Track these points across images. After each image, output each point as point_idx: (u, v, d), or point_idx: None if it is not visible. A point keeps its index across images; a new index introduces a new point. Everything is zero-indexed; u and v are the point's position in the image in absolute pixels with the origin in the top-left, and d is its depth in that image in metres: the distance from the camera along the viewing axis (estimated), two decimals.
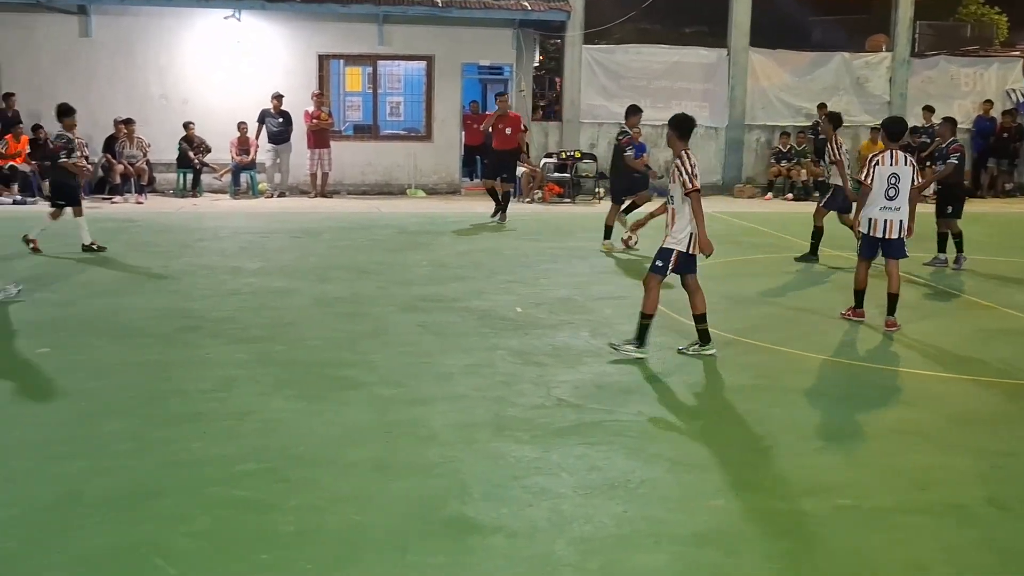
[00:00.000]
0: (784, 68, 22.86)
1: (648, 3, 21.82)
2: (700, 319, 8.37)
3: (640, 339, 8.22)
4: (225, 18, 20.19)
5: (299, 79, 20.44)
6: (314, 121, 19.90)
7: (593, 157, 20.94)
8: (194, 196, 19.79)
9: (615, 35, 22.68)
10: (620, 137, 13.94)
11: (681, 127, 8.26)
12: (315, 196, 20.01)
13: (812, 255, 13.29)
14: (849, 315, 9.90)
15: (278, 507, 5.22)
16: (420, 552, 4.77)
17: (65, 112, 13.11)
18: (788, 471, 5.92)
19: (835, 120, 13.43)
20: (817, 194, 21.17)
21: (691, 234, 8.10)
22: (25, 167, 18.68)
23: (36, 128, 19.05)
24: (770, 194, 21.99)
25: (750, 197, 21.89)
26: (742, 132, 22.64)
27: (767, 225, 16.98)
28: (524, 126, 18.64)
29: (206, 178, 20.19)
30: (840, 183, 12.99)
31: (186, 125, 19.77)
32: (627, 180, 13.97)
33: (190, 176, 19.98)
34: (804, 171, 21.56)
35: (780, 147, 22.14)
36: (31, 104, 19.46)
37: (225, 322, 9.30)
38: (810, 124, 22.13)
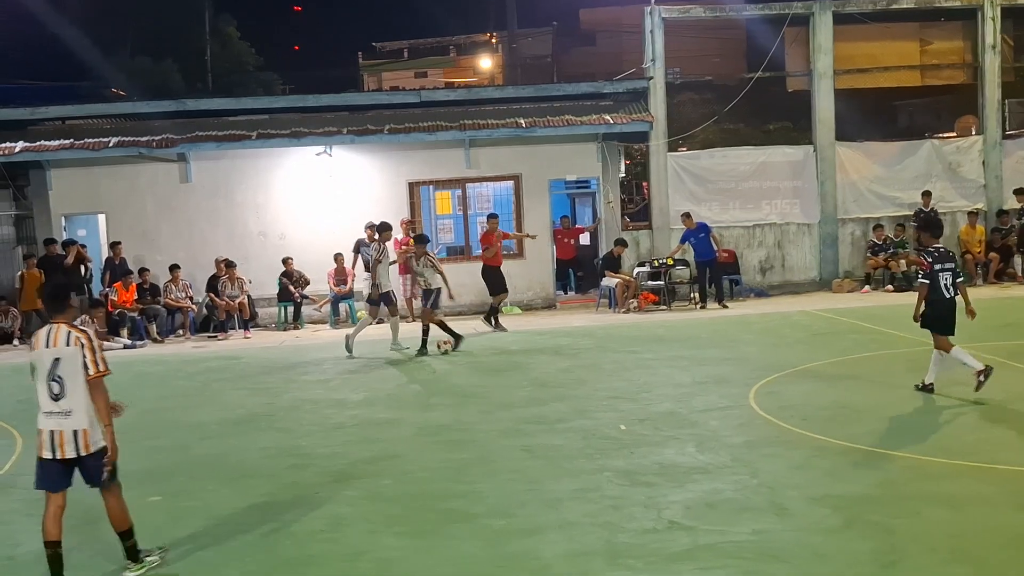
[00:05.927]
0: (873, 160, 22.63)
1: (730, 107, 21.92)
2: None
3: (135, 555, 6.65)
4: (317, 154, 20.86)
5: (391, 206, 20.82)
6: (403, 248, 20.24)
7: (685, 263, 20.85)
8: (295, 328, 20.20)
9: (698, 138, 22.79)
10: None
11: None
12: (412, 320, 20.25)
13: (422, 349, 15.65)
14: None
15: None
16: None
17: None
18: None
19: (420, 240, 16.52)
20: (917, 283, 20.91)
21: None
22: (133, 312, 19.27)
23: (142, 272, 19.79)
24: (867, 287, 21.62)
25: (849, 291, 21.54)
26: (836, 226, 22.36)
27: (871, 320, 16.57)
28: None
29: (306, 309, 20.62)
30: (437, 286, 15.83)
31: (285, 260, 20.32)
32: None
33: (291, 309, 20.42)
34: (903, 262, 21.20)
35: (875, 239, 21.81)
36: (136, 250, 20.33)
37: (332, 458, 9.38)
38: (912, 213, 21.78)
